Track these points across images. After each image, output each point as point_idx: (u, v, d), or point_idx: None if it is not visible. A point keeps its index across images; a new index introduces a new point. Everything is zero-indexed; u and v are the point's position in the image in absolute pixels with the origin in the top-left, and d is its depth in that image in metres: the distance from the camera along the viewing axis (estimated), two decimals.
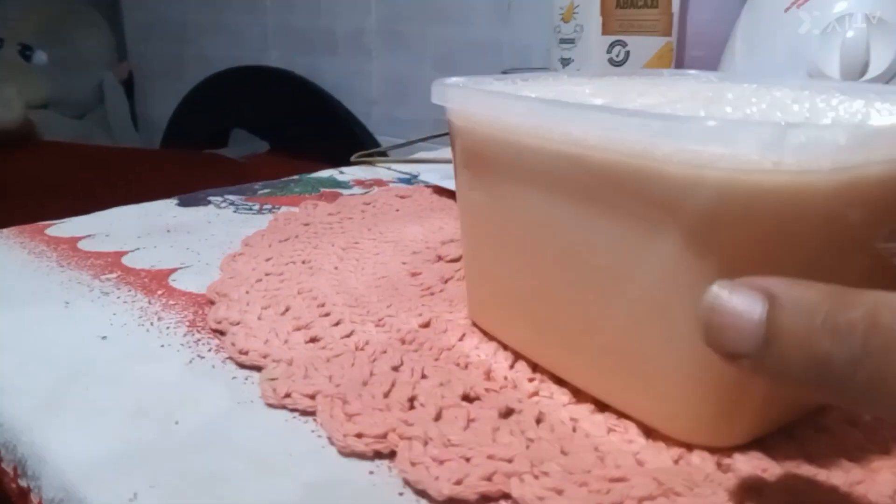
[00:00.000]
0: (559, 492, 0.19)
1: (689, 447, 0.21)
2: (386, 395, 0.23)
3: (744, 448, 0.21)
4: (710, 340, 0.16)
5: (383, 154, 0.71)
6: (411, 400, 0.23)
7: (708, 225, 0.18)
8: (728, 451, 0.21)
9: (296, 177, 0.56)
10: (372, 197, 0.48)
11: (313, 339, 0.27)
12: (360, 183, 0.55)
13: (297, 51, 1.50)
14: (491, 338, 0.28)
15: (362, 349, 0.26)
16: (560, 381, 0.25)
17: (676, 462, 0.21)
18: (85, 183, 1.30)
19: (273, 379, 0.25)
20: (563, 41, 0.62)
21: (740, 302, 0.15)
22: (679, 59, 0.60)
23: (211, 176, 1.25)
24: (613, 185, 0.20)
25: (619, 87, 0.28)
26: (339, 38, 1.44)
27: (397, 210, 0.45)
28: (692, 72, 0.35)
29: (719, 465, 0.21)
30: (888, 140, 0.18)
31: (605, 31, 0.58)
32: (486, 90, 0.25)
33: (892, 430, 0.22)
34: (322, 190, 0.52)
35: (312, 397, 0.23)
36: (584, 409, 0.23)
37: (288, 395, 0.24)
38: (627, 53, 0.58)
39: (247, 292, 0.31)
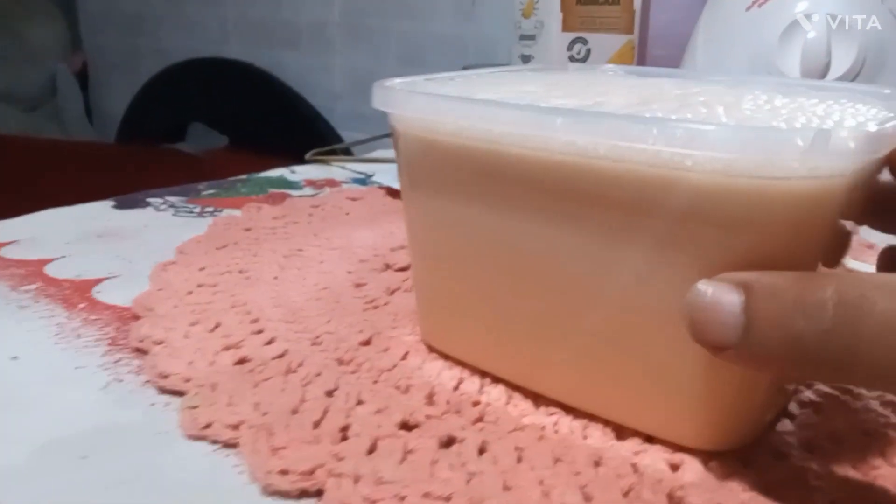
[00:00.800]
0: None
1: (640, 476, 0.20)
2: (316, 425, 0.21)
3: (697, 478, 0.20)
4: (696, 335, 0.17)
5: (345, 151, 0.68)
6: (344, 430, 0.21)
7: (733, 235, 0.18)
8: (680, 483, 0.20)
9: (244, 176, 0.54)
10: (321, 199, 0.46)
11: (242, 361, 0.25)
12: (311, 183, 0.53)
13: (258, 43, 1.47)
14: (436, 356, 0.26)
15: (295, 371, 0.24)
16: (507, 403, 0.23)
17: (626, 495, 0.19)
18: (35, 179, 1.25)
19: (194, 407, 0.22)
20: (523, 37, 0.60)
21: (719, 296, 0.17)
22: (641, 58, 0.59)
23: (167, 171, 1.21)
24: (627, 196, 0.19)
25: (567, 87, 0.26)
26: (301, 30, 1.40)
27: (347, 213, 0.43)
28: (608, 66, 0.34)
29: (671, 498, 0.19)
30: (889, 141, 0.17)
31: (566, 27, 0.56)
32: (460, 97, 0.23)
33: (849, 455, 0.21)
34: (270, 191, 0.50)
35: (236, 427, 0.21)
36: (531, 436, 0.22)
37: (209, 426, 0.22)
38: (588, 51, 0.57)
39: (175, 306, 0.29)
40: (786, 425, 0.22)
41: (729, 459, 0.20)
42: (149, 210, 0.45)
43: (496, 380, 0.25)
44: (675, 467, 0.20)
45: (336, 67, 1.37)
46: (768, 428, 0.22)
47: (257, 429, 0.21)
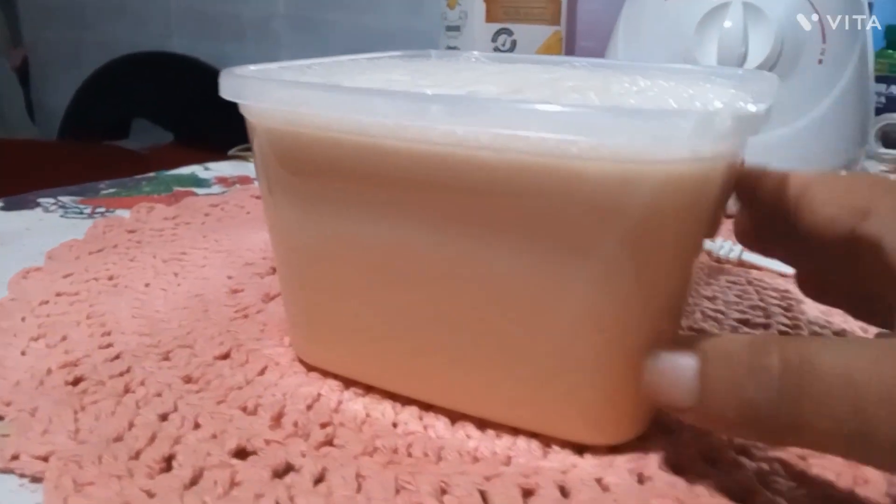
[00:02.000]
0: None
1: None
2: (137, 455, 0.19)
3: None
4: (658, 399, 0.17)
5: None
6: (169, 459, 0.19)
7: (621, 221, 0.17)
8: None
9: (151, 174, 0.51)
10: (222, 198, 0.43)
11: (77, 380, 0.23)
12: (222, 181, 0.50)
13: (202, 36, 1.42)
14: (299, 370, 0.24)
15: (133, 391, 0.22)
16: (363, 423, 0.21)
17: None
18: None
19: (5, 435, 0.20)
20: (449, 28, 0.58)
21: (675, 360, 0.17)
22: (569, 49, 0.57)
23: (110, 169, 1.16)
24: (510, 188, 0.18)
25: (435, 75, 0.24)
26: (246, 23, 1.37)
27: (248, 213, 0.41)
28: (472, 53, 0.32)
29: None
30: (765, 121, 0.17)
31: (490, 18, 0.55)
32: (326, 85, 0.21)
33: (720, 479, 0.19)
34: (175, 189, 0.47)
35: (45, 459, 0.19)
36: (378, 462, 0.20)
37: (16, 457, 0.19)
38: (514, 42, 0.55)
39: (23, 319, 0.27)
40: (659, 442, 0.21)
41: (588, 485, 0.19)
42: (37, 211, 0.42)
43: (360, 393, 0.23)
44: (528, 493, 0.18)
45: (282, 61, 1.33)
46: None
47: (66, 461, 0.19)
